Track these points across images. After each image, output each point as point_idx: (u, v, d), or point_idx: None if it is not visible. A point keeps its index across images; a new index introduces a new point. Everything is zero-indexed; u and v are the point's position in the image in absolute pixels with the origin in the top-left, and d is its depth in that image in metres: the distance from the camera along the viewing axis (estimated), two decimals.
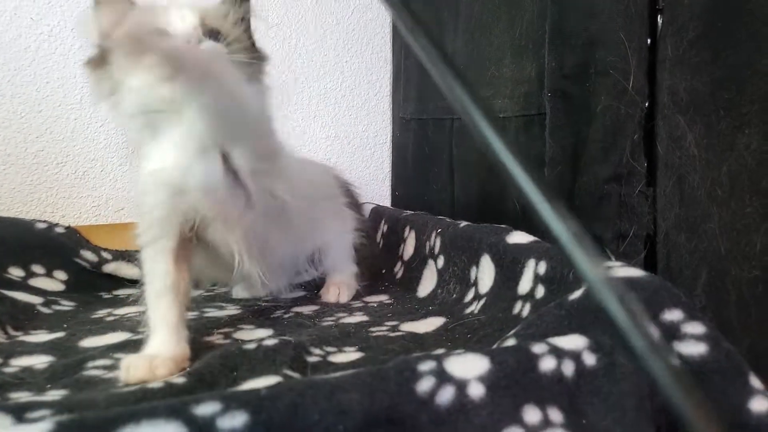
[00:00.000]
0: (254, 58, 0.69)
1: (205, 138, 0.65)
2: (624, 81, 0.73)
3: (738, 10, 0.67)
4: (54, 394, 0.59)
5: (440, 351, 0.67)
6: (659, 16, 0.73)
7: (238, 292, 1.00)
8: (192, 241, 0.73)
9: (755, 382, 0.51)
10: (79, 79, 1.16)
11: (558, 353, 0.50)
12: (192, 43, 0.64)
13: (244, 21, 0.71)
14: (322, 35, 1.33)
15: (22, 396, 0.59)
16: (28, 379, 0.63)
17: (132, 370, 0.61)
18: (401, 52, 1.36)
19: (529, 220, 0.87)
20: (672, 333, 0.53)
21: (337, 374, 0.45)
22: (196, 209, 0.68)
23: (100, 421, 0.39)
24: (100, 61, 0.65)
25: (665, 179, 0.73)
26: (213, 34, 0.66)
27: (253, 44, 0.73)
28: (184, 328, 0.69)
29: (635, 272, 0.58)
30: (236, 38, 0.67)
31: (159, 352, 0.65)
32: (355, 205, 1.03)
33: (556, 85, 0.81)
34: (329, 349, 0.71)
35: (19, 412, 0.49)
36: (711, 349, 0.52)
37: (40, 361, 0.69)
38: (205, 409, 0.40)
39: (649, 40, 0.73)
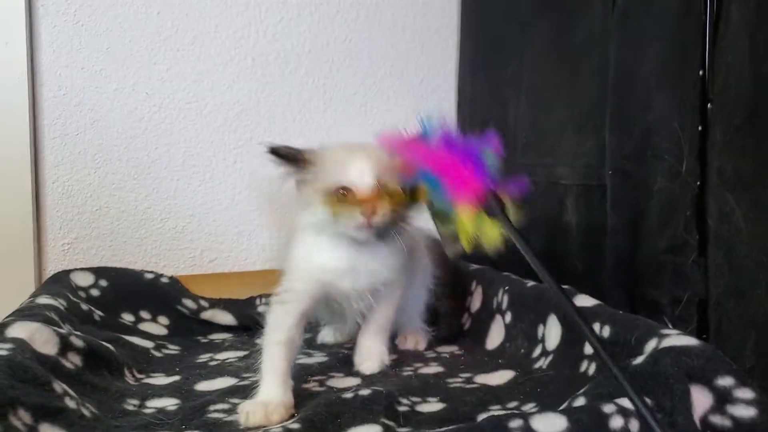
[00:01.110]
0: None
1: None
2: (678, 165, 0.81)
3: None
4: None
5: (515, 404, 0.77)
6: (709, 105, 0.81)
7: (324, 337, 1.11)
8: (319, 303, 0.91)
9: None
10: (181, 144, 1.31)
11: (624, 413, 0.58)
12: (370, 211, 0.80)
13: None
14: (394, 103, 1.47)
15: None
16: (165, 420, 0.74)
17: (251, 416, 0.73)
18: (465, 117, 1.46)
19: (589, 282, 0.96)
20: (725, 397, 0.61)
21: (443, 429, 0.55)
22: (335, 287, 0.88)
23: None
24: (300, 182, 0.88)
25: (715, 250, 0.80)
26: (386, 188, 0.82)
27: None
28: (290, 378, 0.81)
29: (690, 341, 0.66)
30: (398, 194, 0.83)
31: (271, 398, 0.76)
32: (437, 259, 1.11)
33: (616, 164, 0.90)
34: (414, 399, 0.80)
35: None
36: (760, 413, 0.59)
37: (169, 404, 0.80)
38: None
39: (700, 127, 0.81)
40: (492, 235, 0.72)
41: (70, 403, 0.69)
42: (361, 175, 0.82)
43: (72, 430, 0.64)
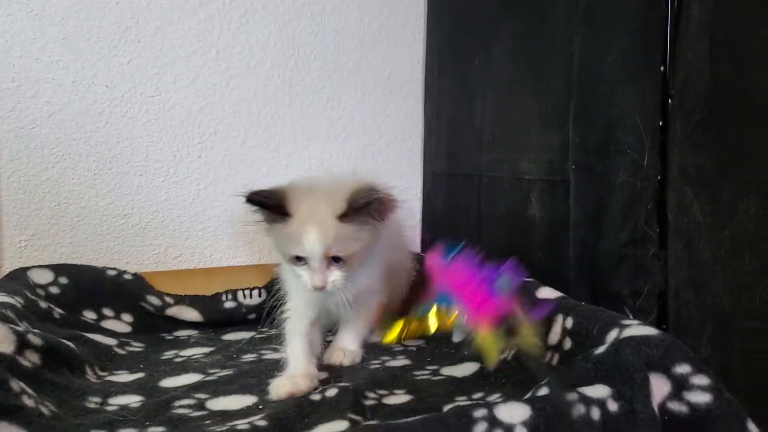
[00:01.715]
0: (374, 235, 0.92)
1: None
2: (639, 159, 0.83)
3: (737, 95, 0.77)
4: (156, 431, 0.69)
5: (481, 395, 0.78)
6: (670, 101, 0.83)
7: None
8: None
9: (752, 427, 0.61)
10: (144, 139, 1.29)
11: (586, 401, 0.60)
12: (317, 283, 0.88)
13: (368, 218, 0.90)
14: (361, 96, 1.46)
15: None
16: (129, 416, 0.73)
17: (280, 387, 0.82)
18: (432, 112, 1.47)
19: (553, 275, 0.97)
20: (682, 384, 0.63)
21: (409, 419, 0.55)
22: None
23: None
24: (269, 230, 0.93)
25: (675, 243, 0.82)
26: (337, 258, 0.88)
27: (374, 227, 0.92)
28: (313, 357, 0.92)
29: (650, 331, 0.68)
30: (360, 248, 0.89)
31: (296, 371, 0.86)
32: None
33: (579, 158, 0.91)
34: (381, 392, 0.81)
35: None
36: (715, 398, 0.62)
37: (133, 401, 0.79)
38: None
39: (661, 122, 0.83)
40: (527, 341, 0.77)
41: (28, 402, 0.67)
42: (315, 249, 0.86)
43: (31, 428, 0.63)
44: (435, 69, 1.46)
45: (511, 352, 0.88)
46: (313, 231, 0.86)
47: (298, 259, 0.89)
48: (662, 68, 0.82)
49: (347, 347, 0.97)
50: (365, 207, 0.87)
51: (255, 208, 0.90)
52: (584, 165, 0.91)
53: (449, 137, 1.39)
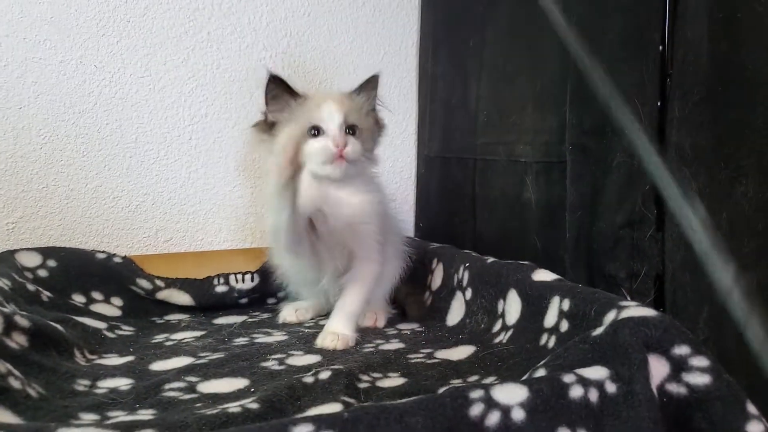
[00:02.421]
0: (378, 129, 1.05)
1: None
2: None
3: (736, 76, 0.76)
4: (145, 414, 0.68)
5: (476, 378, 0.77)
6: (668, 81, 0.82)
7: (285, 317, 1.10)
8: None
9: (751, 408, 0.60)
10: (134, 120, 1.26)
11: (584, 382, 0.59)
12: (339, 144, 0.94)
13: (373, 102, 1.04)
14: (354, 78, 1.44)
15: (118, 414, 0.67)
16: (118, 399, 0.72)
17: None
18: (427, 96, 1.46)
19: (549, 258, 0.96)
20: (680, 365, 0.62)
21: (404, 400, 0.54)
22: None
23: None
24: (263, 127, 1.01)
25: (672, 225, 0.81)
26: (353, 128, 0.97)
27: (377, 120, 1.06)
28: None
29: (648, 312, 0.66)
30: (368, 129, 1.01)
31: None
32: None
33: (576, 139, 0.90)
34: (375, 375, 0.80)
35: (128, 431, 0.57)
36: (714, 380, 0.61)
37: (122, 384, 0.78)
38: (301, 429, 0.49)
39: (659, 102, 0.82)
40: None
41: (15, 383, 0.66)
42: (330, 116, 0.95)
43: (17, 410, 0.61)
44: (429, 51, 1.44)
45: (507, 335, 0.87)
46: (332, 101, 0.96)
47: (314, 134, 0.95)
48: (660, 48, 0.81)
49: (340, 331, 0.96)
50: (370, 84, 1.03)
51: (274, 92, 0.99)
52: (581, 146, 0.90)
53: (443, 120, 1.37)
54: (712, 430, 0.59)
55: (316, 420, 0.50)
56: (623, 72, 0.83)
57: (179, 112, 1.30)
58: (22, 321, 0.80)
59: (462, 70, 1.27)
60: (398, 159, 1.50)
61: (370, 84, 1.03)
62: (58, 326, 0.87)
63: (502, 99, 1.14)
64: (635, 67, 0.82)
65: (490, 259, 1.00)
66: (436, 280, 1.12)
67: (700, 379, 0.61)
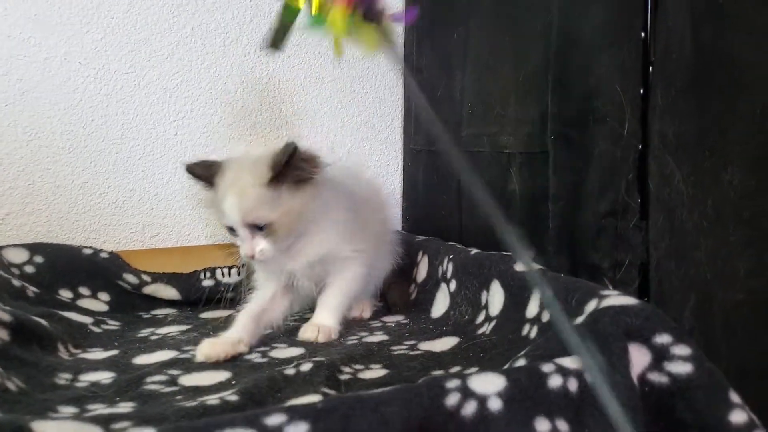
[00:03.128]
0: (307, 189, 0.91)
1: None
2: (620, 127, 0.81)
3: (720, 63, 0.76)
4: (125, 406, 0.68)
5: (458, 368, 0.77)
6: (651, 69, 0.81)
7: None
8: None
9: (734, 397, 0.60)
10: (120, 116, 1.26)
11: (564, 372, 0.58)
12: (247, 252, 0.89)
13: (299, 162, 0.89)
14: (339, 73, 1.44)
15: (97, 407, 0.67)
16: (99, 392, 0.71)
17: (199, 349, 0.83)
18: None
19: (535, 249, 0.96)
20: (662, 354, 0.61)
21: (379, 390, 0.54)
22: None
23: (192, 430, 0.48)
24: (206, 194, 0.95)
25: (657, 213, 0.81)
26: (261, 226, 0.88)
27: (309, 173, 0.91)
28: (261, 328, 0.93)
29: (629, 300, 0.66)
30: (286, 211, 0.89)
31: (224, 336, 0.88)
32: None
33: (558, 129, 0.90)
34: (357, 366, 0.79)
35: (106, 423, 0.57)
36: (696, 368, 0.60)
37: (104, 377, 0.77)
38: (274, 419, 0.49)
39: (642, 90, 0.81)
40: (368, 39, 0.66)
41: None
42: (233, 217, 0.88)
43: None
44: (414, 44, 1.43)
45: (491, 326, 0.87)
46: (231, 198, 0.87)
47: (232, 231, 0.90)
48: (642, 35, 0.80)
49: (322, 323, 0.95)
50: (288, 167, 0.87)
51: (195, 181, 0.94)
52: (563, 136, 0.89)
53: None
54: (694, 419, 0.59)
55: (289, 410, 0.50)
56: (604, 60, 0.83)
57: (164, 107, 1.29)
58: (4, 315, 0.79)
59: (447, 63, 1.26)
60: (384, 153, 1.50)
61: (285, 157, 0.87)
62: (42, 321, 0.86)
63: (487, 90, 1.14)
64: (616, 56, 0.81)
65: (474, 251, 1.00)
66: (422, 272, 1.12)
67: (682, 368, 0.60)
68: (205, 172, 0.92)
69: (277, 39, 0.70)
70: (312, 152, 0.91)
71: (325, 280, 0.99)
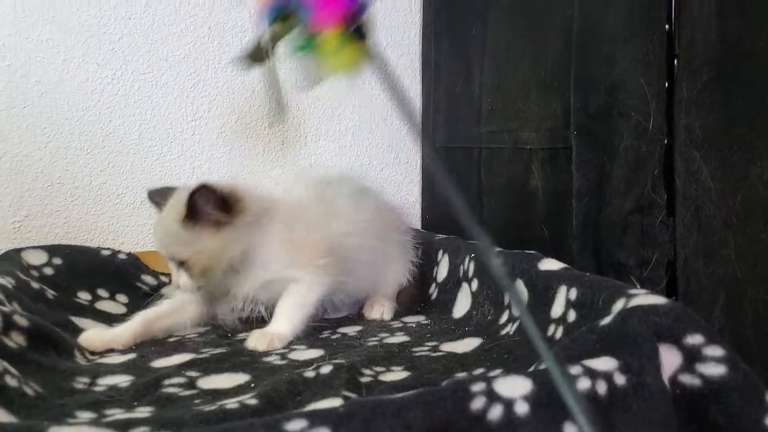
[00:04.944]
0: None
1: None
2: (644, 122, 0.79)
3: (747, 54, 0.73)
4: (143, 411, 0.67)
5: (482, 370, 0.75)
6: (675, 61, 0.79)
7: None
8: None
9: None
10: (137, 117, 1.26)
11: (592, 374, 0.56)
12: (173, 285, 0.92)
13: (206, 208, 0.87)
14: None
15: (115, 412, 0.66)
16: (116, 396, 0.70)
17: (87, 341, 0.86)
18: (430, 85, 1.43)
19: (556, 247, 0.94)
20: (694, 355, 0.59)
21: (401, 394, 0.52)
22: None
23: None
24: None
25: (684, 210, 0.79)
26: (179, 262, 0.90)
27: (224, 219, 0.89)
28: (139, 328, 0.92)
29: (658, 299, 0.64)
30: (191, 261, 0.89)
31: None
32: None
33: (581, 123, 0.88)
34: (378, 369, 0.78)
35: (123, 429, 0.56)
36: (730, 370, 0.57)
37: (122, 380, 0.76)
38: (295, 425, 0.47)
39: (666, 83, 0.79)
40: (352, 58, 0.64)
41: (11, 382, 0.65)
42: (157, 248, 0.91)
43: (12, 408, 0.60)
44: (432, 40, 1.42)
45: (514, 326, 0.85)
46: (155, 230, 0.92)
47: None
48: (667, 26, 0.78)
49: (275, 330, 0.90)
50: (201, 210, 0.86)
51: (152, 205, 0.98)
52: (586, 130, 0.87)
53: (447, 110, 1.35)
54: (729, 423, 0.56)
55: (310, 415, 0.48)
56: (627, 53, 0.81)
57: (182, 107, 1.29)
58: (21, 320, 0.79)
59: (465, 59, 1.25)
60: (402, 150, 1.48)
61: (188, 201, 0.86)
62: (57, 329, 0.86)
63: (506, 86, 1.12)
64: (640, 48, 0.79)
65: (496, 249, 0.98)
66: (442, 271, 1.10)
67: (715, 370, 0.57)
68: (160, 200, 0.94)
69: (258, 55, 0.68)
70: (236, 194, 0.89)
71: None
